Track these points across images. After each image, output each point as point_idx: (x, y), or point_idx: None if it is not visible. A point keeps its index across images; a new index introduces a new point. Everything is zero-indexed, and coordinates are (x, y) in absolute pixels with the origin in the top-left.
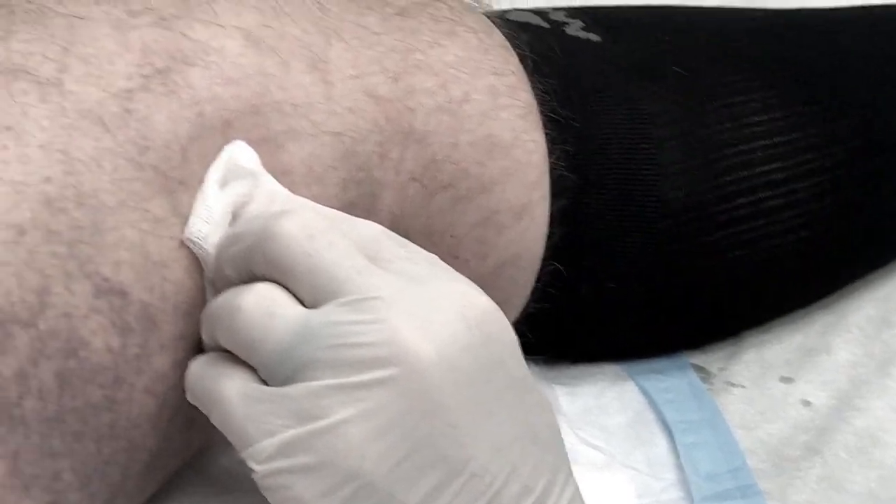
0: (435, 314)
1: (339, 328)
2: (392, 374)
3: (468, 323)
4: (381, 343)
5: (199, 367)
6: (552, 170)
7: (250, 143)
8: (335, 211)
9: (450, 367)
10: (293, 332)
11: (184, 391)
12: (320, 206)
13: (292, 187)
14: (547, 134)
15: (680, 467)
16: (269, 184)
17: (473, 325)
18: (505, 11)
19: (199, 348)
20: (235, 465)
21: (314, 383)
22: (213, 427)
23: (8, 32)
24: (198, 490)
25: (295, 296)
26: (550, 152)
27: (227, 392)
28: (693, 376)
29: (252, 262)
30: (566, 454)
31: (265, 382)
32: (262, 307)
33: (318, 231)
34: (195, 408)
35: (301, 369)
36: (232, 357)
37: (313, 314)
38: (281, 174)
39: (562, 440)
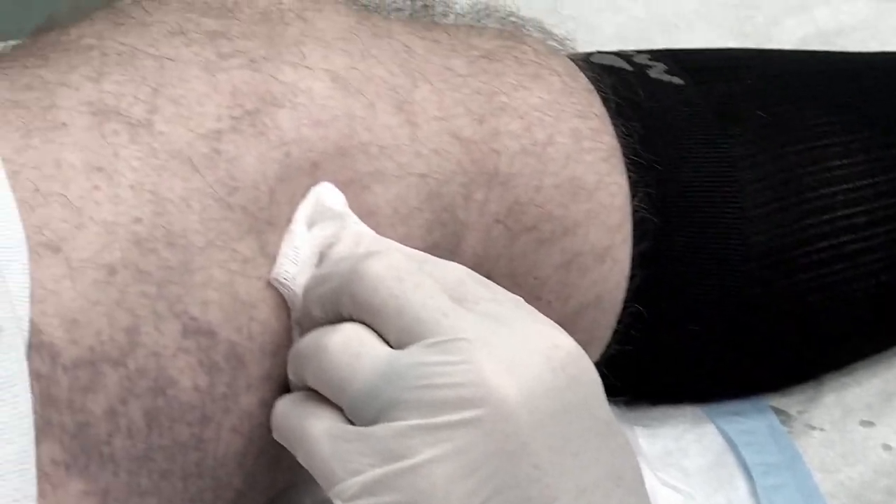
0: (520, 356)
1: (425, 369)
2: (477, 415)
3: (553, 365)
4: (467, 384)
5: (285, 406)
6: (634, 212)
7: (337, 184)
8: (421, 252)
9: (535, 408)
10: (380, 373)
11: (270, 430)
12: (406, 247)
13: (378, 228)
14: (629, 177)
15: None
16: (356, 225)
17: (558, 367)
18: (589, 54)
19: (285, 388)
20: None
21: (400, 423)
22: (298, 467)
23: (100, 74)
24: None
25: (381, 336)
26: (633, 195)
27: (314, 431)
28: (773, 419)
29: (339, 302)
30: (648, 498)
31: (351, 422)
32: (350, 347)
33: (406, 273)
34: (280, 447)
35: (387, 409)
36: (318, 396)
37: (400, 355)
38: (367, 215)
39: (644, 484)
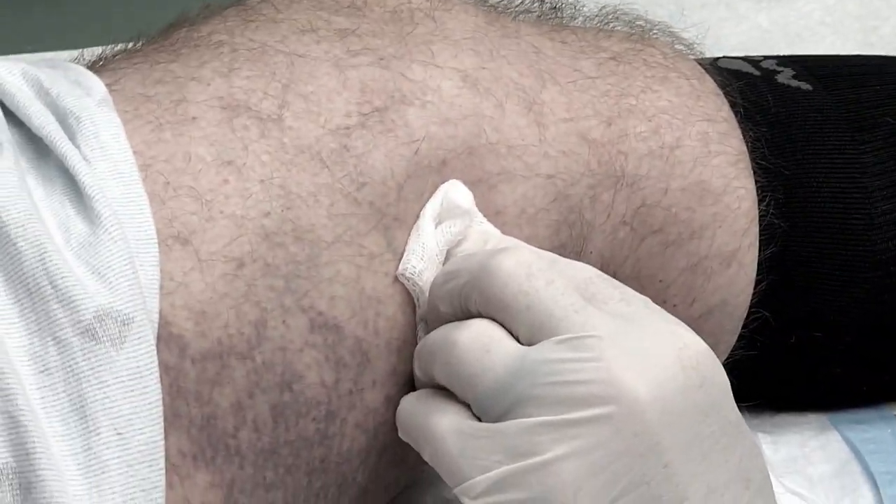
0: (651, 355)
1: (555, 365)
2: (608, 413)
3: (684, 364)
4: (598, 381)
5: (410, 404)
6: (761, 217)
7: (465, 183)
8: (549, 253)
9: (665, 407)
10: (509, 369)
11: (394, 428)
12: (534, 247)
13: (504, 228)
14: (756, 181)
15: None
16: (483, 224)
17: (689, 366)
18: (716, 59)
19: (410, 385)
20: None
21: (529, 420)
22: (421, 465)
23: (231, 70)
24: None
25: (511, 333)
26: (760, 199)
27: (440, 428)
28: None
29: (468, 298)
30: (776, 502)
31: (478, 418)
32: (479, 343)
33: (537, 269)
34: (405, 445)
35: (516, 406)
36: (444, 393)
37: (530, 351)
38: (494, 215)
39: (772, 487)
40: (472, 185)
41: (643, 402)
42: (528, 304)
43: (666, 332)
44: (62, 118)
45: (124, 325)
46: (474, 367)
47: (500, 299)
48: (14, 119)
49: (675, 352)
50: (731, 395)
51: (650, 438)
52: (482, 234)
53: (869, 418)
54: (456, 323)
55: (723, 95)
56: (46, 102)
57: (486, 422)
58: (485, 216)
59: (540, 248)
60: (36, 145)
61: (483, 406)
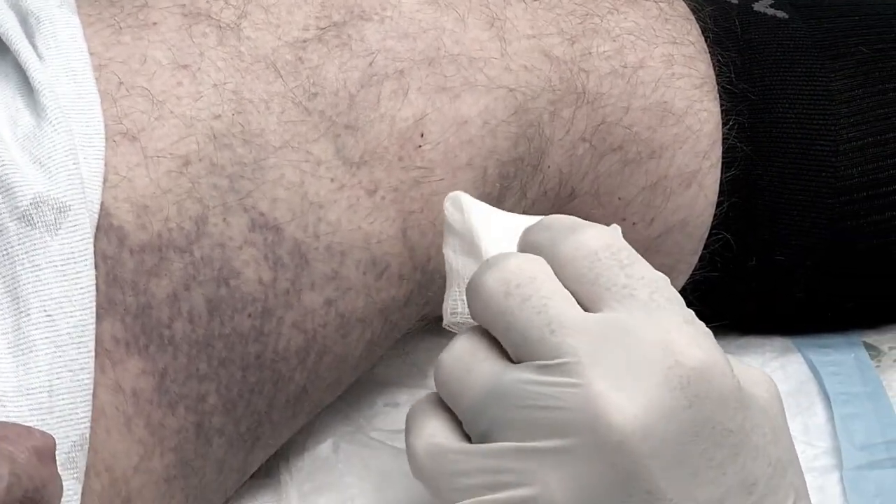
0: (634, 377)
1: (530, 389)
2: (585, 442)
3: (671, 385)
4: (575, 408)
5: (413, 406)
6: (724, 139)
7: (426, 92)
8: (561, 220)
9: (648, 433)
10: (486, 390)
11: (334, 330)
12: (526, 254)
13: (470, 140)
14: (722, 105)
15: (835, 436)
16: (480, 241)
17: (676, 386)
18: None
19: (356, 290)
20: None
21: (502, 444)
22: (366, 365)
23: None
24: None
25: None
26: (724, 123)
27: (417, 442)
28: (862, 352)
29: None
30: (790, 494)
31: (468, 436)
32: (462, 362)
33: (514, 286)
34: (346, 347)
35: (495, 427)
36: (438, 402)
37: (508, 372)
38: (461, 124)
39: (786, 477)
40: (435, 93)
41: (621, 430)
42: (506, 325)
43: (657, 345)
44: (24, 18)
45: (60, 212)
46: (455, 387)
47: (483, 320)
48: None
49: (663, 371)
50: (734, 399)
51: (630, 467)
52: (479, 252)
53: (835, 343)
54: (452, 340)
55: (694, 20)
56: (10, 3)
57: (474, 437)
58: (451, 125)
59: (499, 160)
60: None
61: (467, 424)
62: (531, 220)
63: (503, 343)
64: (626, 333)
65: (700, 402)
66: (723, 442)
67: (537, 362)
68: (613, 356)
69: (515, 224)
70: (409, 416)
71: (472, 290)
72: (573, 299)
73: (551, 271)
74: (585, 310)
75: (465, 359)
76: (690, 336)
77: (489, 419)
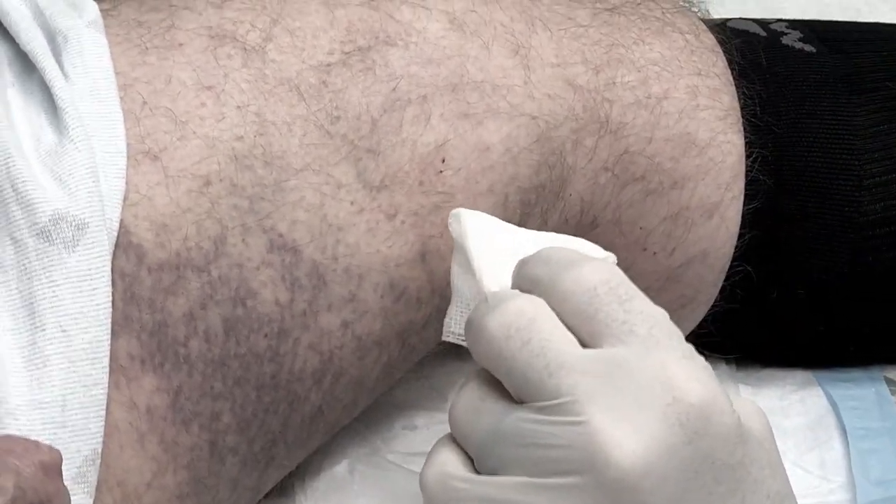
0: (633, 414)
1: (531, 428)
2: (585, 481)
3: (670, 422)
4: (576, 445)
5: (435, 444)
6: (747, 172)
7: (449, 118)
8: (559, 253)
9: (647, 471)
10: (491, 430)
11: (351, 352)
12: (526, 294)
13: (491, 167)
14: (746, 137)
15: (851, 471)
16: (484, 278)
17: (675, 423)
18: (727, 20)
19: (373, 313)
20: None
21: (511, 478)
22: (382, 388)
23: (224, 1)
24: None
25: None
26: (748, 155)
27: (429, 471)
28: (883, 388)
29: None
30: None
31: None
32: (471, 403)
33: (515, 329)
34: (363, 370)
35: (501, 466)
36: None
37: (510, 413)
38: (482, 150)
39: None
40: (457, 119)
41: (621, 468)
42: (507, 369)
43: (656, 381)
44: (52, 37)
45: (78, 229)
46: (465, 429)
47: (486, 364)
48: (9, 36)
49: (662, 408)
50: (735, 434)
51: (632, 503)
52: (480, 294)
53: (856, 377)
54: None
55: (721, 53)
56: (40, 23)
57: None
58: (473, 152)
59: (520, 187)
60: (24, 61)
61: (478, 463)
62: (530, 234)
63: (506, 385)
64: (625, 370)
65: (700, 439)
66: (722, 477)
67: (538, 403)
68: (613, 393)
69: (514, 242)
70: (430, 451)
71: (475, 334)
72: (572, 337)
73: (551, 311)
74: (585, 345)
75: (475, 400)
76: (690, 371)
77: (496, 458)
